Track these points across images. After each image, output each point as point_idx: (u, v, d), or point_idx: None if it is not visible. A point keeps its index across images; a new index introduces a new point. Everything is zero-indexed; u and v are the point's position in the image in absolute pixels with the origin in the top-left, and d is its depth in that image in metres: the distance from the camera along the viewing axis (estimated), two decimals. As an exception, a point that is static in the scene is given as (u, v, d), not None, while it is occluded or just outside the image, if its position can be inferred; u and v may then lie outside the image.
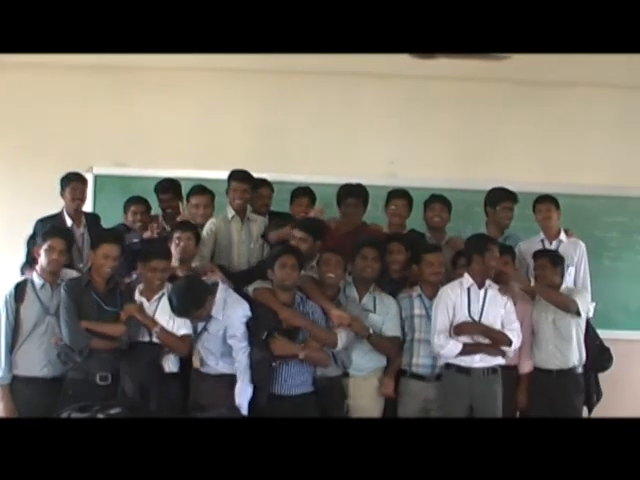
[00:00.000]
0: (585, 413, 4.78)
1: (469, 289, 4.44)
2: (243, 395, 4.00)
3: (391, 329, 4.44)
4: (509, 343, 4.36)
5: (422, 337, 4.45)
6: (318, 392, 4.23)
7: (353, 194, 4.96)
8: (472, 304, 4.41)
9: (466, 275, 4.47)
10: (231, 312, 4.11)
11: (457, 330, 4.37)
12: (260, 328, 4.06)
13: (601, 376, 4.84)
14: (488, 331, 4.38)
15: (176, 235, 4.45)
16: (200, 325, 4.15)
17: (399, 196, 5.11)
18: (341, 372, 4.31)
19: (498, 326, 4.39)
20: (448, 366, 4.42)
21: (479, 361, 4.37)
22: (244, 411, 3.95)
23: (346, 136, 6.00)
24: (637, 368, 5.90)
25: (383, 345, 4.43)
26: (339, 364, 4.30)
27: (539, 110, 6.04)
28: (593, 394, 4.79)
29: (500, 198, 5.15)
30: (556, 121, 6.07)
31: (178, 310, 4.07)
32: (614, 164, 6.05)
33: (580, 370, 4.64)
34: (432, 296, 4.48)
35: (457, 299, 4.42)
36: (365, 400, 4.40)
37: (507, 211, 5.13)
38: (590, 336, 4.74)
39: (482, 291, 4.44)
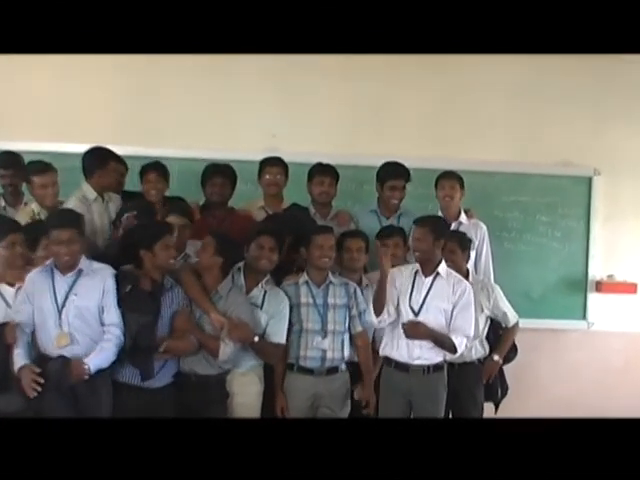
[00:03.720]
0: (491, 408, 5.33)
1: (415, 274, 4.82)
2: (101, 355, 4.31)
3: (276, 334, 4.75)
4: (452, 349, 4.69)
5: (310, 327, 4.84)
6: (193, 388, 4.58)
7: (219, 173, 5.37)
8: (414, 293, 4.78)
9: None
10: (99, 269, 4.47)
11: (404, 331, 4.75)
12: (124, 282, 4.46)
13: (506, 368, 5.35)
14: (434, 335, 4.72)
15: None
16: (61, 295, 4.38)
17: (273, 164, 5.51)
18: (216, 372, 4.64)
19: (439, 322, 4.71)
20: (387, 361, 4.87)
21: (417, 359, 4.74)
22: (93, 368, 4.24)
23: (222, 107, 6.40)
24: (541, 359, 6.58)
25: (265, 352, 4.76)
26: (213, 363, 4.62)
27: (433, 79, 6.51)
28: (497, 389, 5.32)
29: (388, 175, 5.52)
30: (452, 92, 6.56)
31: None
32: (515, 139, 6.61)
33: (481, 361, 5.21)
34: (321, 283, 4.89)
35: (403, 284, 4.79)
36: (244, 398, 4.77)
37: (395, 190, 5.50)
38: (494, 327, 5.26)
39: (429, 279, 4.77)
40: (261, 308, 4.77)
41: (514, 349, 5.37)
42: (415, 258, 4.89)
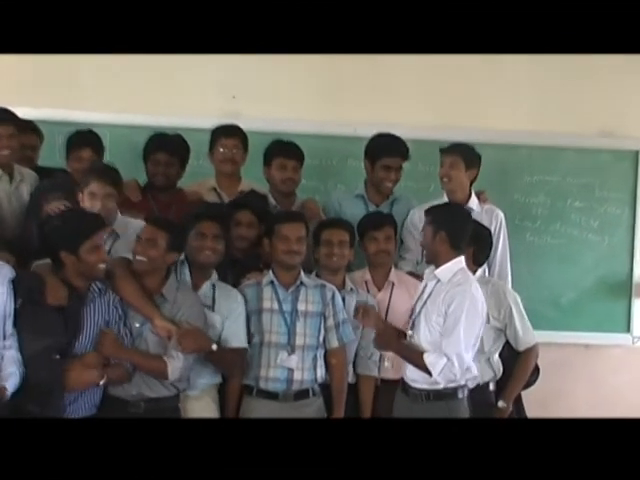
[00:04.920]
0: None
1: (427, 280, 4.63)
2: (13, 379, 4.02)
3: (235, 336, 4.55)
4: (426, 370, 4.41)
5: (273, 340, 4.60)
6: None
7: (166, 146, 5.12)
8: (419, 301, 4.56)
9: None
10: None
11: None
12: (19, 292, 4.10)
13: (526, 396, 5.04)
14: (400, 348, 4.54)
15: None
16: None
17: (228, 134, 5.25)
18: (172, 393, 4.41)
19: (433, 338, 4.43)
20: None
21: (413, 381, 4.48)
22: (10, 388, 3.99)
23: (168, 59, 5.70)
24: (572, 382, 6.32)
25: (225, 361, 4.57)
26: (166, 383, 4.39)
27: (440, 28, 6.16)
28: None
29: (381, 152, 5.25)
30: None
31: None
32: (542, 104, 6.28)
33: (492, 387, 4.87)
34: (289, 284, 4.65)
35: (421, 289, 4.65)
36: None
37: (389, 171, 5.25)
38: (510, 345, 4.92)
39: (431, 284, 4.55)
40: (213, 309, 4.57)
41: (535, 370, 5.03)
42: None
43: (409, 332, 4.55)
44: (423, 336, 4.45)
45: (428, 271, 4.59)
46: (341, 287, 4.83)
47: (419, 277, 4.94)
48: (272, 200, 5.24)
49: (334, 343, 4.72)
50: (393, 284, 4.93)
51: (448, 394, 4.42)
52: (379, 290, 4.91)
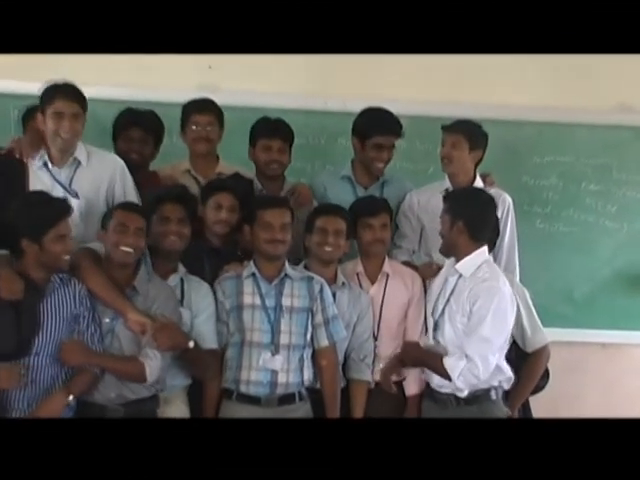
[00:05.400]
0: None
1: (447, 275, 4.60)
2: None
3: (207, 337, 4.50)
4: (446, 375, 4.43)
5: (255, 339, 4.48)
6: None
7: (138, 123, 5.06)
8: (440, 299, 4.55)
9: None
10: None
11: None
12: None
13: (534, 402, 4.95)
14: (424, 359, 4.57)
15: None
16: None
17: (201, 110, 5.12)
18: (151, 393, 4.37)
19: (458, 341, 4.43)
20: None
21: (441, 386, 4.49)
22: None
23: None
24: (587, 386, 6.21)
25: (201, 362, 4.50)
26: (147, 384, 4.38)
27: (442, -3, 5.89)
28: None
29: (372, 129, 5.14)
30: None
31: None
32: (553, 75, 6.10)
33: (498, 393, 4.71)
34: (272, 277, 4.53)
35: (436, 287, 4.63)
36: None
37: (382, 151, 5.14)
38: (518, 345, 4.82)
39: (453, 280, 4.51)
40: (182, 304, 4.51)
41: (545, 373, 4.94)
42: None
43: (430, 333, 4.59)
44: (449, 339, 4.43)
45: (448, 264, 4.56)
46: (332, 281, 4.73)
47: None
48: (258, 184, 5.15)
49: (323, 342, 4.62)
50: (387, 275, 4.82)
51: (479, 396, 4.44)
52: (372, 283, 4.81)
